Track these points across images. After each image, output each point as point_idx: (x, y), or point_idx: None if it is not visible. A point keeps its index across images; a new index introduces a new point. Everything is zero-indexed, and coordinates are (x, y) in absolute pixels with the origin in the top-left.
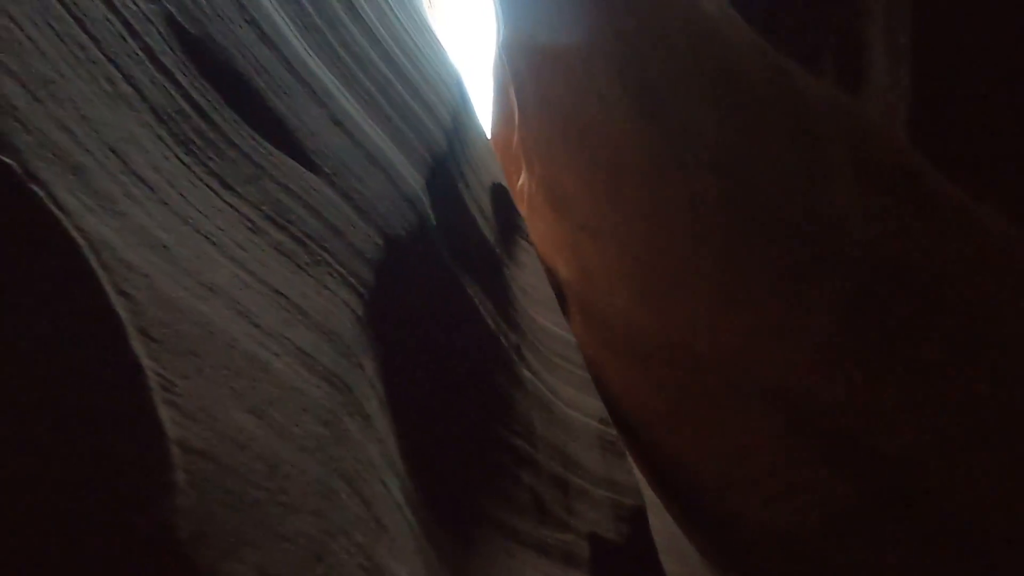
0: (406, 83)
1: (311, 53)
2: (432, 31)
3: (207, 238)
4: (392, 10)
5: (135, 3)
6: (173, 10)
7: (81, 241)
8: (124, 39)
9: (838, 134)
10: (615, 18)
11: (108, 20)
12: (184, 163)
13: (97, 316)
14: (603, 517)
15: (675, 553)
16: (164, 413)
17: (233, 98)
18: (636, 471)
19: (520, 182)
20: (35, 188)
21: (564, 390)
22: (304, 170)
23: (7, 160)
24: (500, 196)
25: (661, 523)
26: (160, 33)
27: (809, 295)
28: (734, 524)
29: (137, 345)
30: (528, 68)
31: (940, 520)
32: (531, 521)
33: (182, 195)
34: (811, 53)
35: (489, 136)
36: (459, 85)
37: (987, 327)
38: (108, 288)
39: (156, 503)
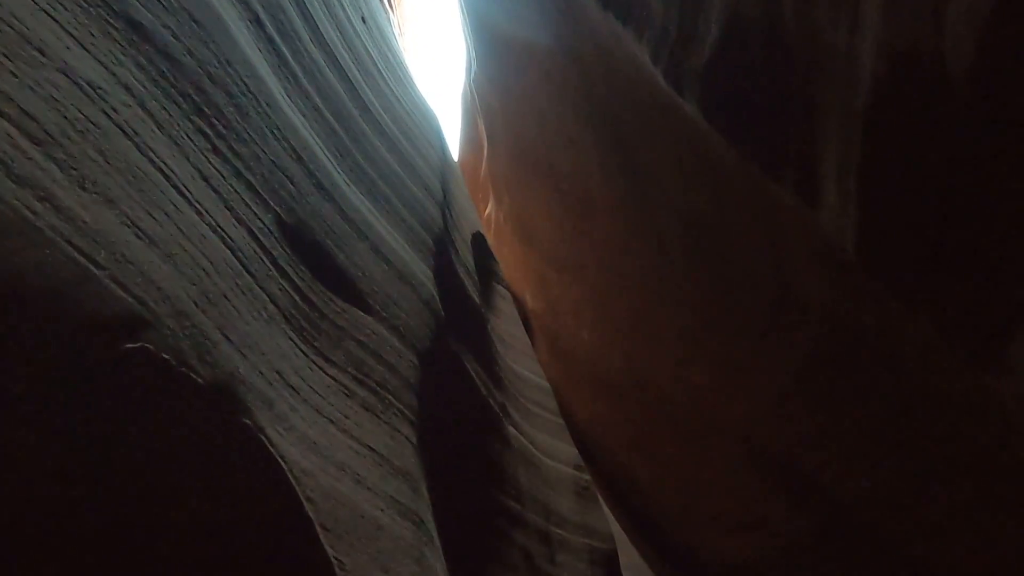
0: (409, 170)
1: (350, 184)
2: (411, 79)
3: (330, 420)
4: (385, 79)
5: (260, 220)
6: (280, 210)
7: (284, 466)
8: (263, 260)
9: (802, 233)
10: (590, 82)
11: (254, 250)
12: (304, 352)
13: (298, 522)
14: (581, 564)
15: None
16: None
17: (315, 268)
18: (605, 508)
19: (487, 211)
20: (262, 438)
21: (541, 438)
22: (365, 315)
23: (247, 421)
24: (479, 245)
25: (628, 558)
26: (275, 238)
27: (768, 350)
28: (695, 554)
29: (322, 537)
30: (499, 105)
31: (893, 560)
32: None
33: (311, 387)
34: (775, 165)
35: (456, 158)
36: (439, 135)
37: (934, 392)
38: (302, 498)
39: None
